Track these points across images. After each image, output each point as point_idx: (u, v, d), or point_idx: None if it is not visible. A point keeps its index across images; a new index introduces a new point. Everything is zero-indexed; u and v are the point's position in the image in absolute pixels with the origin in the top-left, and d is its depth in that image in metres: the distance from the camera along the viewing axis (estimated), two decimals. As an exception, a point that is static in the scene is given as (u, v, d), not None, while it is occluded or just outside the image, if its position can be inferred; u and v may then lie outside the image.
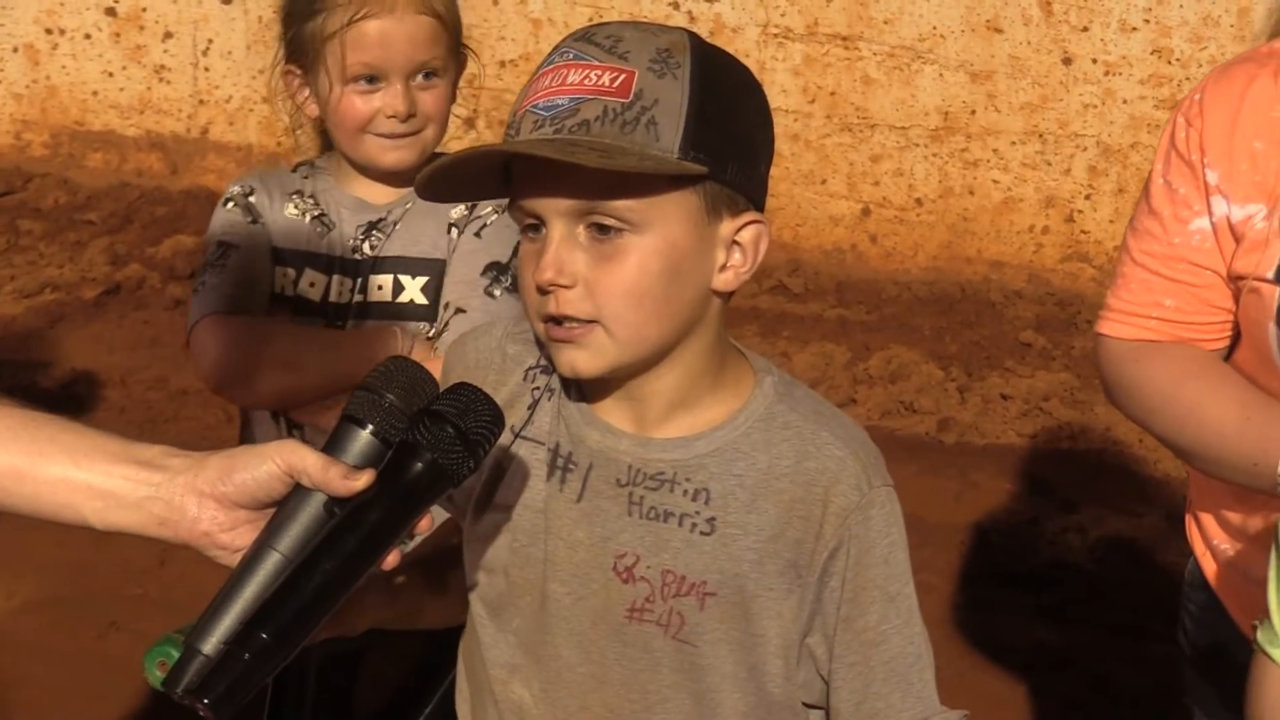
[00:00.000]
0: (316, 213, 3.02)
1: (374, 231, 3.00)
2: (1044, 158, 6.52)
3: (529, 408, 2.08)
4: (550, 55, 1.97)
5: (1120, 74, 6.37)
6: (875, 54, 6.65)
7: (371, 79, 2.91)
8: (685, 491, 2.00)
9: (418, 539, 1.91)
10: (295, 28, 2.96)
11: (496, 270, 2.94)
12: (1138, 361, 2.54)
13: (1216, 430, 2.45)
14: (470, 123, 7.03)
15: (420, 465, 1.83)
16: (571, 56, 1.94)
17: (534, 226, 1.97)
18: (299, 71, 2.99)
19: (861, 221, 6.77)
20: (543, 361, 2.09)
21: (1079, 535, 5.20)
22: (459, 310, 2.92)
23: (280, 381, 2.90)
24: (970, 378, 6.10)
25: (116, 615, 4.76)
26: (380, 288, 2.98)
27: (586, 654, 2.04)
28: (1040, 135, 6.50)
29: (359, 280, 2.98)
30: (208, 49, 7.63)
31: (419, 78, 2.93)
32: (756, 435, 2.02)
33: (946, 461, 5.68)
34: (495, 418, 1.88)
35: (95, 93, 7.75)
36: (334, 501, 1.84)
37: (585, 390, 2.05)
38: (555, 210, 1.93)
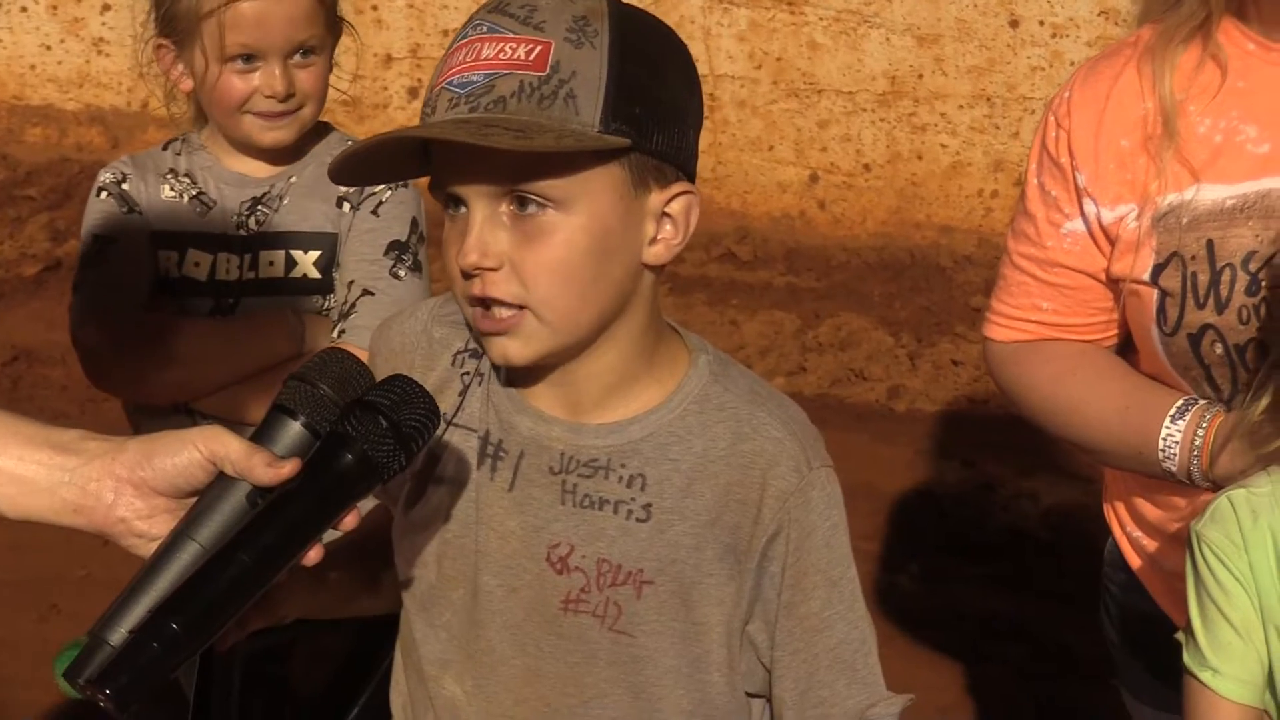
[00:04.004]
0: (194, 191, 2.99)
1: (259, 207, 2.97)
2: (992, 121, 6.49)
3: (459, 394, 2.01)
4: (464, 28, 1.90)
5: (1068, 36, 6.34)
6: (821, 19, 6.60)
7: (249, 58, 2.88)
8: (620, 478, 1.95)
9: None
10: (169, 3, 2.92)
11: (399, 250, 2.94)
12: (1019, 363, 2.54)
13: (1100, 425, 2.46)
14: (414, 93, 6.96)
15: (349, 457, 1.77)
16: (485, 29, 1.86)
17: (456, 205, 1.90)
18: (172, 46, 2.95)
19: (810, 188, 6.72)
20: (471, 345, 2.02)
21: (1032, 503, 5.19)
22: (366, 291, 2.91)
23: (173, 377, 2.89)
24: (921, 344, 6.08)
25: (58, 598, 4.69)
26: (272, 263, 2.96)
27: (521, 647, 1.98)
28: (988, 98, 6.47)
29: (247, 257, 2.96)
30: (147, 21, 7.53)
31: (297, 56, 2.91)
32: (691, 418, 1.96)
33: (898, 429, 5.66)
34: (431, 411, 1.82)
35: (33, 66, 7.65)
36: (258, 492, 1.77)
37: (515, 375, 1.99)
38: (476, 191, 1.86)
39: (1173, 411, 2.35)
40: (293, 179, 2.98)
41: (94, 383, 3.00)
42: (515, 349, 1.90)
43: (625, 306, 1.93)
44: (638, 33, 1.89)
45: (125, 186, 2.99)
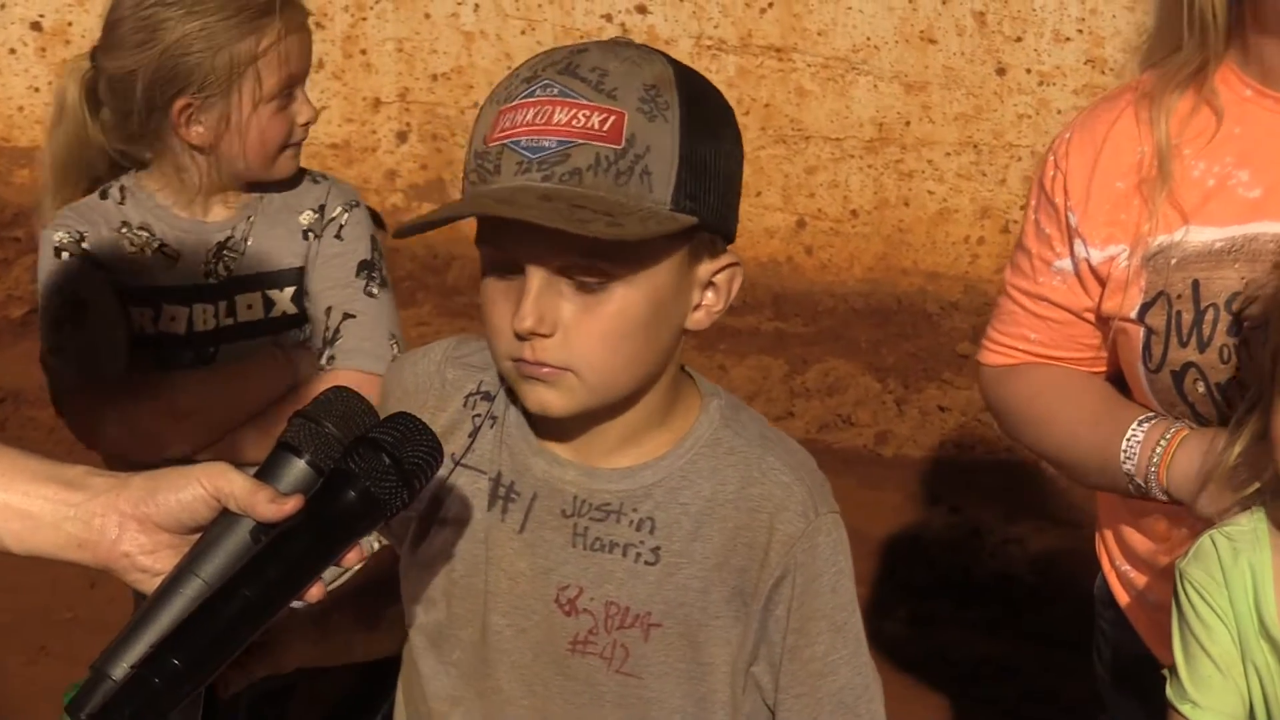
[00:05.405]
0: (156, 244, 2.93)
1: (225, 252, 2.94)
2: (979, 168, 6.51)
3: (470, 435, 2.02)
4: (530, 86, 1.86)
5: (1054, 84, 6.37)
6: (809, 65, 6.62)
7: (289, 92, 2.90)
8: (631, 522, 1.96)
9: (347, 573, 1.86)
10: (194, 59, 2.83)
11: (368, 269, 2.96)
12: (1004, 384, 2.63)
13: (1069, 434, 2.53)
14: (403, 136, 6.97)
15: (352, 494, 1.76)
16: (556, 91, 1.83)
17: (509, 266, 1.88)
18: (198, 103, 2.85)
19: (797, 234, 6.74)
20: (484, 388, 2.03)
21: (1020, 547, 5.20)
22: (347, 315, 2.93)
23: (179, 430, 2.86)
24: (908, 390, 6.09)
25: (46, 639, 4.68)
26: (250, 306, 2.95)
27: (529, 687, 1.99)
28: (975, 146, 6.49)
29: (223, 304, 2.94)
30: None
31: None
32: (702, 462, 1.97)
33: (885, 474, 5.66)
34: (433, 449, 1.82)
35: (21, 108, 7.65)
36: (261, 528, 1.77)
37: (533, 419, 2.00)
38: (539, 261, 1.85)
39: (1141, 418, 2.41)
40: (251, 218, 2.96)
41: (91, 447, 2.94)
42: (553, 400, 1.90)
43: (661, 369, 1.95)
44: (702, 104, 1.89)
45: (86, 245, 2.90)
